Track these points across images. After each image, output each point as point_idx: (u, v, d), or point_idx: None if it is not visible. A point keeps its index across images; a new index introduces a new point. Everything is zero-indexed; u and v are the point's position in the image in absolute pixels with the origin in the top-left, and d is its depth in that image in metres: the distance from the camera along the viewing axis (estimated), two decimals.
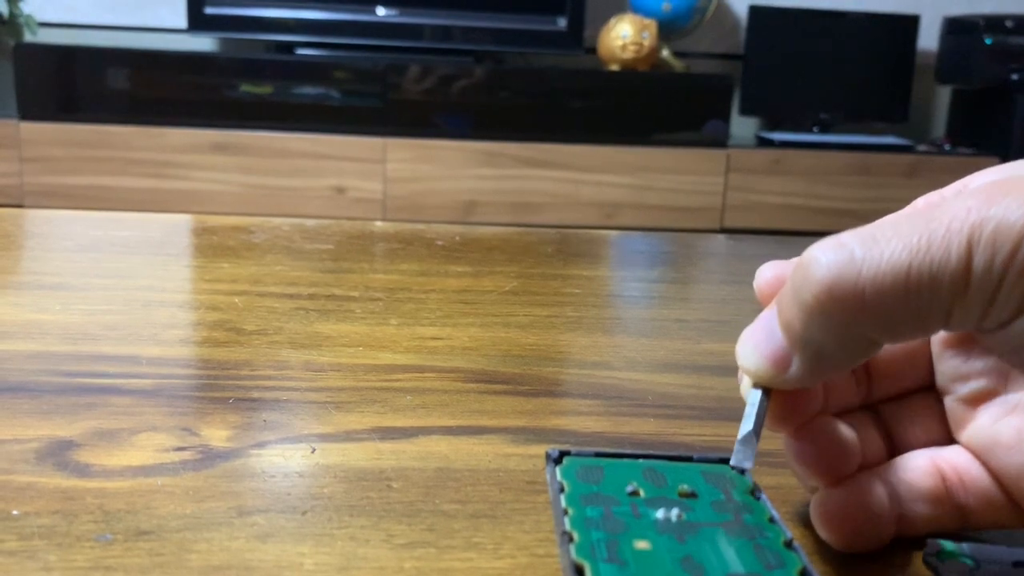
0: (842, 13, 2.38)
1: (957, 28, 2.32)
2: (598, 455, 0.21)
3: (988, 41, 2.21)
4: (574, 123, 2.25)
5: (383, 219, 2.25)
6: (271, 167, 2.20)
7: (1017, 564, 0.19)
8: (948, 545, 0.19)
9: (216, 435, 0.27)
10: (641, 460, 0.21)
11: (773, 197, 2.29)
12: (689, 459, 0.21)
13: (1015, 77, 2.21)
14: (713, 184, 2.28)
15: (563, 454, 0.21)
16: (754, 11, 2.36)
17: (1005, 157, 2.28)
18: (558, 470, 0.21)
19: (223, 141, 2.17)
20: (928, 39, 2.50)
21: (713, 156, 2.26)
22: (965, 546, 0.19)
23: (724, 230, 2.32)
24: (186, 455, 0.25)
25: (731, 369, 0.35)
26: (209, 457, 0.25)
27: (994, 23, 2.23)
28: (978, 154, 2.30)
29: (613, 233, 0.70)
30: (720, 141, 2.26)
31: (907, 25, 2.38)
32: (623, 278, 0.52)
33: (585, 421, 0.29)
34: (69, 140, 2.13)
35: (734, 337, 0.39)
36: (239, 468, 0.25)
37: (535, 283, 0.49)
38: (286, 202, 2.22)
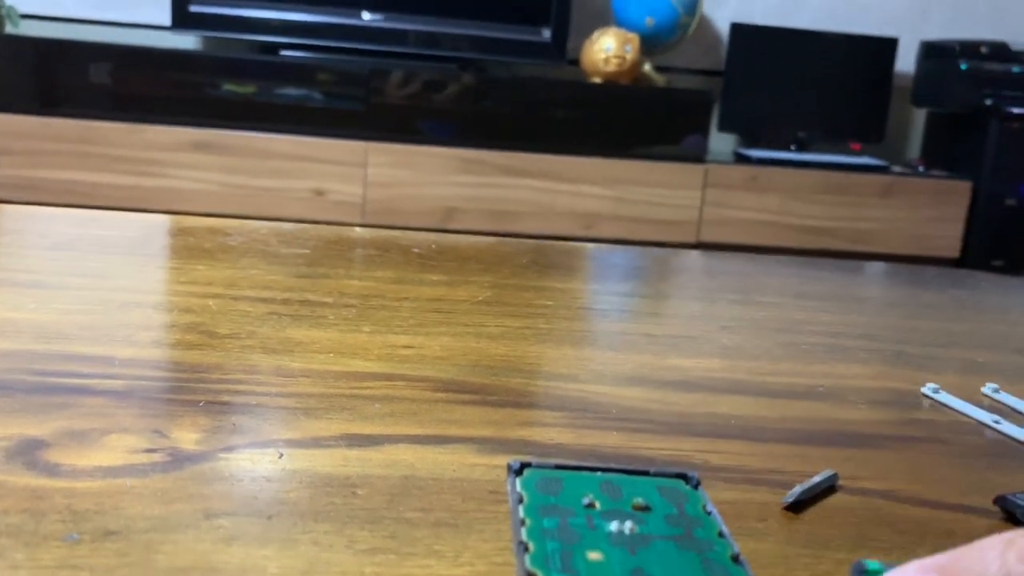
0: (822, 33, 2.41)
1: (934, 52, 2.36)
2: (558, 467, 0.22)
3: (963, 66, 2.25)
4: (555, 133, 2.26)
5: (362, 223, 2.25)
6: (251, 167, 2.20)
7: None
8: (871, 564, 0.20)
9: (185, 438, 0.27)
10: (599, 473, 0.22)
11: (749, 213, 2.32)
12: (646, 473, 0.22)
13: (989, 102, 2.25)
14: (690, 198, 2.30)
15: (524, 466, 0.22)
16: (735, 28, 2.39)
17: (977, 181, 2.32)
18: (518, 481, 0.21)
19: (204, 140, 2.17)
20: (905, 62, 2.54)
21: (691, 171, 2.28)
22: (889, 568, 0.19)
23: (700, 244, 2.34)
24: (155, 457, 0.26)
25: (694, 385, 0.36)
26: (178, 459, 0.26)
27: (969, 49, 2.27)
28: (951, 177, 2.34)
29: (589, 246, 0.71)
30: (698, 156, 2.28)
31: (885, 48, 2.42)
32: (595, 291, 0.53)
33: (549, 432, 0.30)
34: (48, 134, 2.11)
35: (700, 353, 0.41)
36: (207, 471, 0.25)
37: (508, 294, 0.50)
38: (265, 203, 2.22)
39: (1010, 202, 2.31)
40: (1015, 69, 2.24)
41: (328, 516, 0.23)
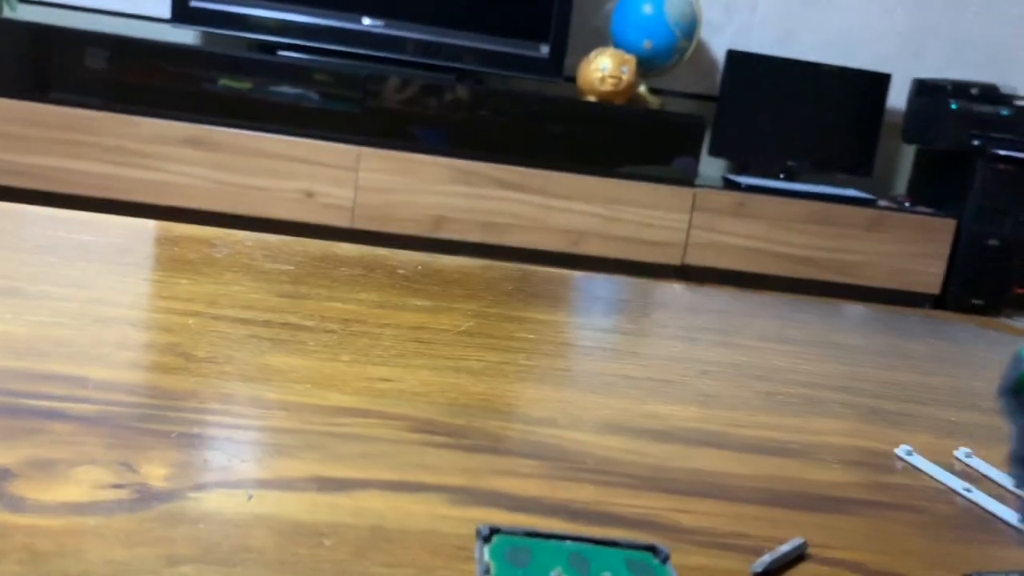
0: (817, 65, 2.43)
1: (925, 90, 2.38)
2: (528, 535, 0.22)
3: (953, 106, 2.27)
4: (548, 149, 2.27)
5: (351, 227, 2.24)
6: (242, 165, 2.19)
7: None
8: None
9: (154, 473, 0.27)
10: (569, 542, 0.22)
11: (735, 239, 2.33)
12: (615, 544, 0.22)
13: (976, 143, 2.28)
14: (678, 221, 2.31)
15: (493, 531, 0.22)
16: (731, 55, 2.40)
17: (961, 219, 2.34)
18: (487, 549, 0.21)
19: (197, 135, 2.16)
20: (898, 98, 2.57)
21: (680, 193, 2.29)
22: None
23: (685, 267, 2.35)
24: (122, 493, 0.25)
25: (670, 435, 0.36)
26: (145, 498, 0.25)
27: (960, 89, 2.30)
28: (936, 214, 2.37)
29: (575, 273, 0.71)
30: (688, 179, 2.30)
31: (878, 83, 2.44)
32: (578, 325, 0.53)
33: (524, 484, 0.30)
34: (40, 120, 2.09)
35: (678, 399, 0.41)
36: (174, 512, 0.25)
37: (491, 324, 0.50)
38: (254, 201, 2.21)
39: (992, 242, 2.34)
40: (1004, 111, 2.27)
41: (294, 568, 0.23)
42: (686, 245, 2.32)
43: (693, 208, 2.30)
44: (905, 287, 2.39)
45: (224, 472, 0.28)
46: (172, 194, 2.18)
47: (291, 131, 2.20)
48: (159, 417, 0.31)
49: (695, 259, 2.33)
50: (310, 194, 2.23)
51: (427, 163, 2.23)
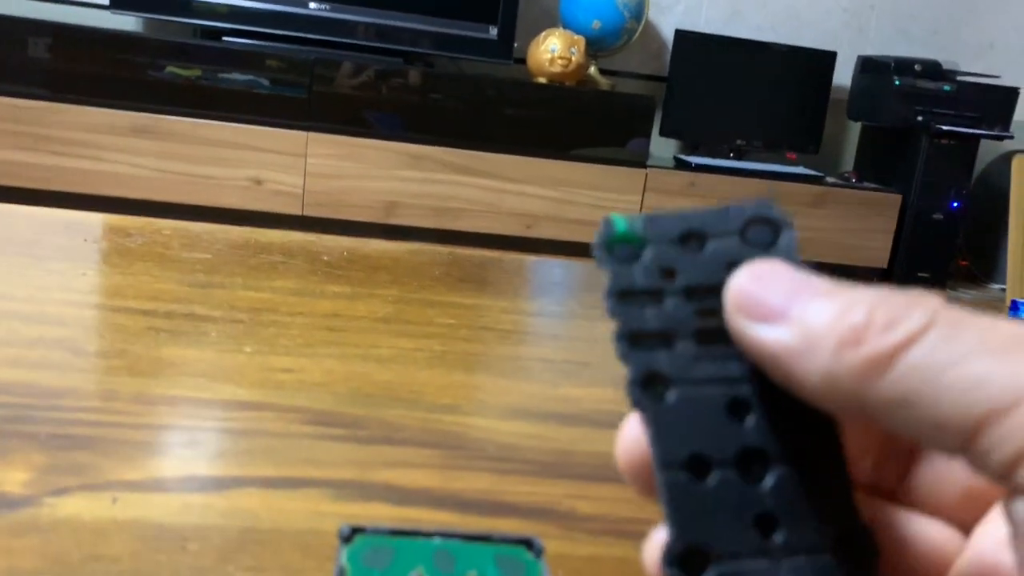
0: (764, 44, 2.44)
1: (869, 67, 2.41)
2: (394, 533, 0.21)
3: (897, 83, 2.30)
4: (500, 132, 2.25)
5: (301, 214, 2.20)
6: (189, 153, 2.14)
7: (684, 237, 0.17)
8: (620, 224, 0.17)
9: (13, 478, 0.25)
10: (437, 539, 0.21)
11: None
12: (487, 539, 0.21)
13: (920, 119, 2.30)
14: (630, 202, 2.31)
15: (355, 531, 0.20)
16: (680, 35, 2.40)
17: (907, 194, 2.38)
18: (345, 550, 0.20)
19: (142, 124, 2.10)
20: (843, 76, 2.59)
21: (632, 174, 2.29)
22: (638, 222, 0.17)
23: None
24: None
25: (579, 418, 0.35)
26: None
27: (903, 66, 2.32)
28: (882, 189, 2.40)
29: (508, 255, 0.70)
30: (640, 160, 2.30)
31: (824, 61, 2.46)
32: (501, 309, 0.51)
33: (415, 475, 0.28)
34: None
35: (593, 381, 0.40)
36: (26, 520, 0.23)
37: (411, 310, 0.48)
38: (202, 190, 2.16)
39: (937, 216, 2.38)
40: (946, 88, 2.30)
41: None
42: None
43: (645, 188, 2.31)
44: (853, 262, 2.42)
45: (90, 473, 0.26)
46: (118, 185, 2.12)
47: (238, 118, 2.15)
48: (30, 418, 0.29)
49: None
50: (259, 182, 2.18)
51: (377, 148, 2.20)
